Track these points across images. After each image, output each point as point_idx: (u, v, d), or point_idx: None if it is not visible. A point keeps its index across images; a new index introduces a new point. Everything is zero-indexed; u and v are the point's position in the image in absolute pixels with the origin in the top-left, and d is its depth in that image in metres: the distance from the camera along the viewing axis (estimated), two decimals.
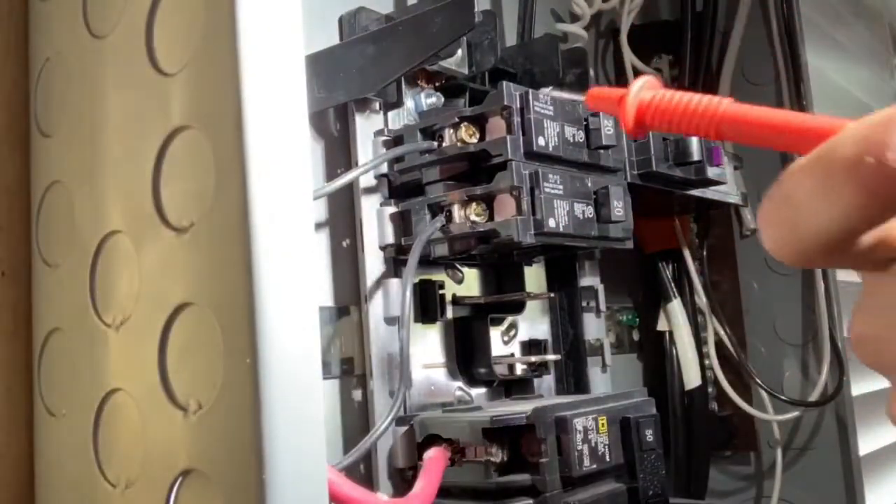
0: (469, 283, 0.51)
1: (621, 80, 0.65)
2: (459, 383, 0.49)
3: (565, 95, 0.46)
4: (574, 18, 0.61)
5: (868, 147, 0.18)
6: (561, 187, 0.42)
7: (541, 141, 0.42)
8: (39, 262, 0.37)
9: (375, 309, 0.44)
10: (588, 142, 0.45)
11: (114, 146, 0.33)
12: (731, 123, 0.25)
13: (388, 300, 0.44)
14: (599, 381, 0.55)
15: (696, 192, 0.56)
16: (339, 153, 0.46)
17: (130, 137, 0.32)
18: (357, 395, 0.45)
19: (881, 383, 0.73)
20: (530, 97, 0.42)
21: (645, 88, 0.30)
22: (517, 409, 0.41)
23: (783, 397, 0.64)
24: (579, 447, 0.41)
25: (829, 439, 0.65)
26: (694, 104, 0.27)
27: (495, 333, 0.50)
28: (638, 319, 0.68)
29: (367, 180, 0.45)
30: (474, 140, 0.43)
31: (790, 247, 0.20)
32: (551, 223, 0.41)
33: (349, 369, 0.44)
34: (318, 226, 0.45)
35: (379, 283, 0.45)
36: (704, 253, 0.68)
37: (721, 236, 0.69)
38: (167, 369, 0.29)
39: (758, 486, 0.68)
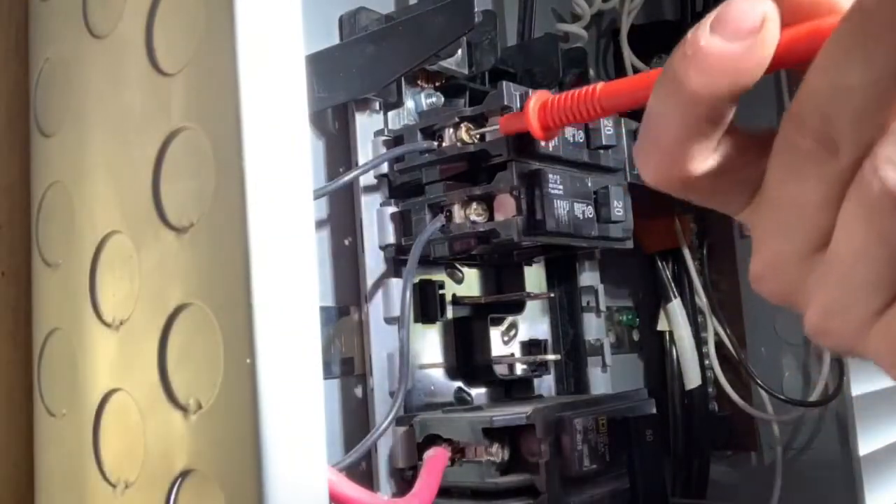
0: (469, 283, 0.51)
1: None
2: (459, 383, 0.49)
3: None
4: (574, 18, 0.61)
5: (685, 47, 0.22)
6: (561, 187, 0.42)
7: (541, 141, 0.42)
8: (39, 262, 0.37)
9: (375, 309, 0.44)
10: (588, 142, 0.45)
11: (114, 146, 0.33)
12: (608, 97, 0.30)
13: (388, 300, 0.44)
14: (599, 381, 0.55)
15: None
16: (339, 153, 0.46)
17: (130, 137, 0.32)
18: (357, 395, 0.45)
19: (881, 383, 0.73)
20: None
21: (539, 100, 0.36)
22: (517, 409, 0.41)
23: (783, 397, 0.64)
24: (579, 447, 0.41)
25: (829, 439, 0.65)
26: (576, 94, 0.32)
27: (495, 333, 0.50)
28: (638, 319, 0.68)
29: (368, 180, 0.45)
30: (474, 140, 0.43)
31: (658, 167, 0.24)
32: (551, 223, 0.41)
33: (349, 369, 0.44)
34: (319, 226, 0.45)
35: (379, 283, 0.45)
36: (704, 253, 0.68)
37: (721, 236, 0.69)
38: (167, 369, 0.29)
39: (758, 485, 0.68)
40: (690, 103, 0.22)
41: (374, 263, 0.45)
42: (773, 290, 0.24)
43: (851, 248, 0.21)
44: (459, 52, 0.48)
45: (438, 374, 0.48)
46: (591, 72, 0.62)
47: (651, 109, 0.23)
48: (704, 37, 0.22)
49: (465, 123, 0.43)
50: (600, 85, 0.31)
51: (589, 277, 0.55)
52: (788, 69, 0.23)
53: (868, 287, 0.21)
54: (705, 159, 0.23)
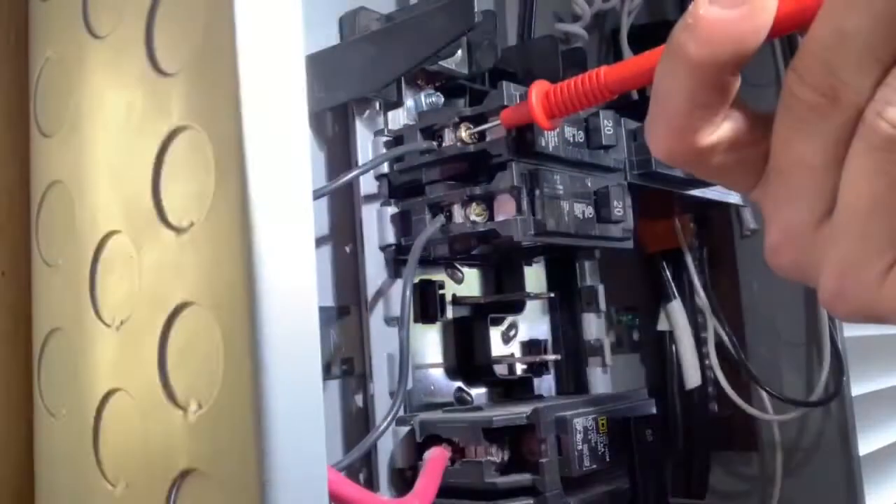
0: (469, 283, 0.51)
1: None
2: (459, 383, 0.49)
3: None
4: (574, 18, 0.61)
5: (686, 17, 0.22)
6: (561, 187, 0.42)
7: (541, 141, 0.42)
8: (39, 262, 0.37)
9: (375, 309, 0.44)
10: (588, 142, 0.45)
11: (114, 146, 0.33)
12: (616, 78, 0.30)
13: (388, 300, 0.44)
14: (599, 381, 0.55)
15: (696, 192, 0.56)
16: (339, 153, 0.46)
17: (130, 137, 0.32)
18: (357, 395, 0.45)
19: (881, 383, 0.73)
20: None
21: (540, 89, 0.36)
22: (517, 409, 0.41)
23: (783, 397, 0.64)
24: (579, 447, 0.41)
25: (829, 439, 0.65)
26: (581, 81, 0.32)
27: (495, 333, 0.50)
28: (638, 319, 0.68)
29: (368, 180, 0.45)
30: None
31: (667, 140, 0.24)
32: (551, 223, 0.41)
33: (349, 369, 0.44)
34: (319, 226, 0.45)
35: (379, 283, 0.45)
36: (704, 253, 0.68)
37: (721, 236, 0.69)
38: (167, 369, 0.29)
39: (758, 485, 0.68)
40: (694, 73, 0.22)
41: (374, 263, 0.45)
42: (789, 263, 0.24)
43: (861, 199, 0.21)
44: (459, 52, 0.48)
45: (438, 374, 0.48)
46: None
47: (657, 82, 0.23)
48: (704, 6, 0.22)
49: (465, 123, 0.42)
50: (604, 69, 0.31)
51: (589, 277, 0.55)
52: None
53: (881, 237, 0.21)
54: (712, 132, 0.23)
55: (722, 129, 0.23)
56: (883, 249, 0.21)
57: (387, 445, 0.43)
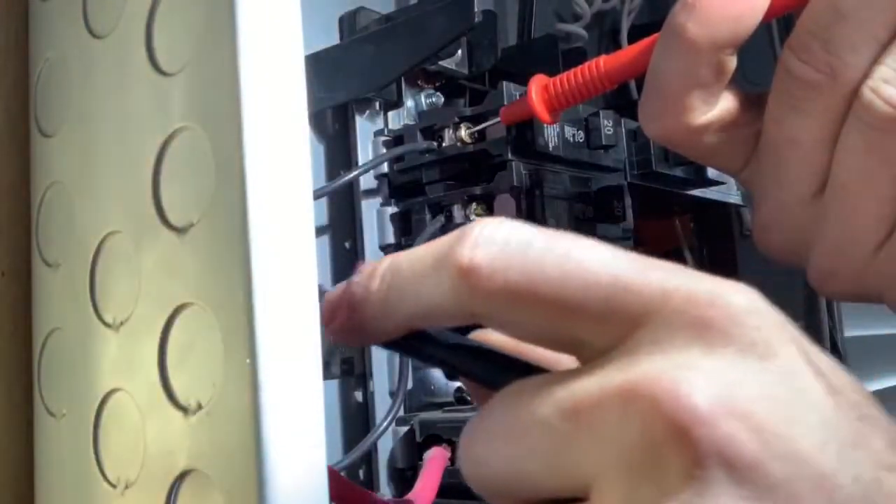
0: None
1: None
2: (459, 383, 0.49)
3: None
4: (574, 18, 0.61)
5: None
6: (561, 187, 0.42)
7: (541, 141, 0.42)
8: (39, 262, 0.37)
9: None
10: (588, 142, 0.45)
11: (114, 146, 0.33)
12: (615, 66, 0.29)
13: None
14: None
15: (696, 192, 0.56)
16: (339, 153, 0.46)
17: (130, 137, 0.32)
18: (357, 395, 0.45)
19: (881, 383, 0.73)
20: None
21: (539, 84, 0.36)
22: None
23: None
24: None
25: None
26: (580, 72, 0.32)
27: None
28: None
29: (368, 180, 0.45)
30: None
31: (661, 119, 0.24)
32: (551, 223, 0.41)
33: (349, 369, 0.44)
34: (319, 226, 0.45)
35: None
36: (704, 253, 0.68)
37: (721, 236, 0.69)
38: (167, 369, 0.29)
39: None
40: (691, 52, 0.22)
41: None
42: (778, 243, 0.24)
43: (854, 176, 0.21)
44: (459, 52, 0.48)
45: (438, 374, 0.48)
46: None
47: (654, 63, 0.24)
48: None
49: (465, 123, 0.43)
50: (603, 58, 0.31)
51: None
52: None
53: (873, 213, 0.21)
54: (706, 111, 0.23)
55: (715, 109, 0.23)
56: (874, 226, 0.21)
57: (387, 445, 0.43)
